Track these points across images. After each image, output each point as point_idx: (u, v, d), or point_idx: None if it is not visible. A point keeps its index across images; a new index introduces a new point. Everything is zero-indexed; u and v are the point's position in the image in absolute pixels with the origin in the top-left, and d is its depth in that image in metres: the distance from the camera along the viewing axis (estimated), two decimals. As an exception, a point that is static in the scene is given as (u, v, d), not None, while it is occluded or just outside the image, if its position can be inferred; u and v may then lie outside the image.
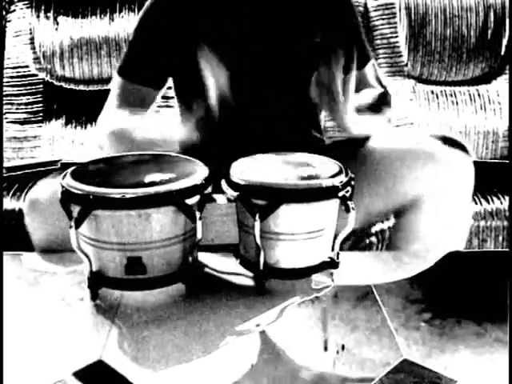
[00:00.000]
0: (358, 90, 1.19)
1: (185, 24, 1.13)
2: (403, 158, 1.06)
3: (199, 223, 0.81)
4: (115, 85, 1.18)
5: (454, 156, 1.05)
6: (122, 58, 1.22)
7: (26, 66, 1.88)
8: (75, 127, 1.84)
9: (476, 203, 1.48)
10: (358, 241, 1.40)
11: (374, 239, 1.43)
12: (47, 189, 1.00)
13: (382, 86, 1.26)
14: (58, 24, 1.87)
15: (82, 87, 1.88)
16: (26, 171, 1.66)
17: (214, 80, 0.98)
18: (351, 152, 1.12)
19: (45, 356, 0.73)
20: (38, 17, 1.88)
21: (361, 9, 1.89)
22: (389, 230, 1.35)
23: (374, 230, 1.41)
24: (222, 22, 1.14)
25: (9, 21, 1.89)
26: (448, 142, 1.08)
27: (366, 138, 1.12)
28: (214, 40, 1.08)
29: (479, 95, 1.86)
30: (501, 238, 1.49)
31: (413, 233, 1.10)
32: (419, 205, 1.06)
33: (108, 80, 1.89)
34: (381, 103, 1.18)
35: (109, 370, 0.70)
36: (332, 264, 0.89)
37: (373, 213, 1.12)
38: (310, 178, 0.84)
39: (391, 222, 1.19)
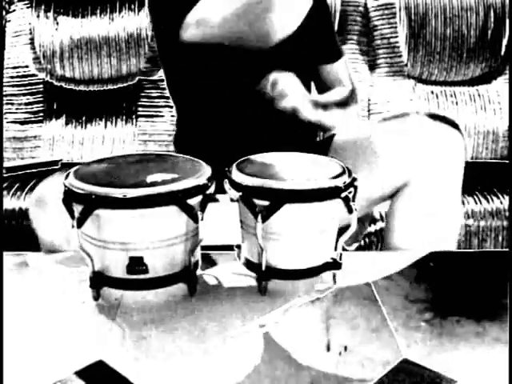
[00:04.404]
0: (328, 84, 1.33)
1: None
2: (390, 139, 1.07)
3: (201, 223, 0.81)
4: None
5: (440, 129, 1.06)
6: None
7: (26, 66, 1.89)
8: (75, 127, 1.84)
9: (476, 203, 1.49)
10: (356, 235, 1.40)
11: (373, 239, 1.44)
12: (54, 186, 1.00)
13: (352, 83, 1.36)
14: (57, 24, 1.87)
15: (82, 87, 1.88)
16: (26, 171, 1.67)
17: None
18: (340, 142, 1.20)
19: (45, 355, 0.73)
20: (38, 17, 1.88)
21: (361, 9, 1.89)
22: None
23: (373, 229, 1.42)
24: None
25: (9, 21, 1.89)
26: (436, 118, 1.10)
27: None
28: None
29: (479, 95, 1.86)
30: (501, 237, 1.50)
31: (406, 217, 1.10)
32: (413, 183, 1.06)
33: (108, 80, 1.89)
34: (349, 100, 1.28)
35: (109, 370, 0.70)
36: (335, 265, 0.89)
37: (370, 199, 1.13)
38: (312, 178, 0.84)
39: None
